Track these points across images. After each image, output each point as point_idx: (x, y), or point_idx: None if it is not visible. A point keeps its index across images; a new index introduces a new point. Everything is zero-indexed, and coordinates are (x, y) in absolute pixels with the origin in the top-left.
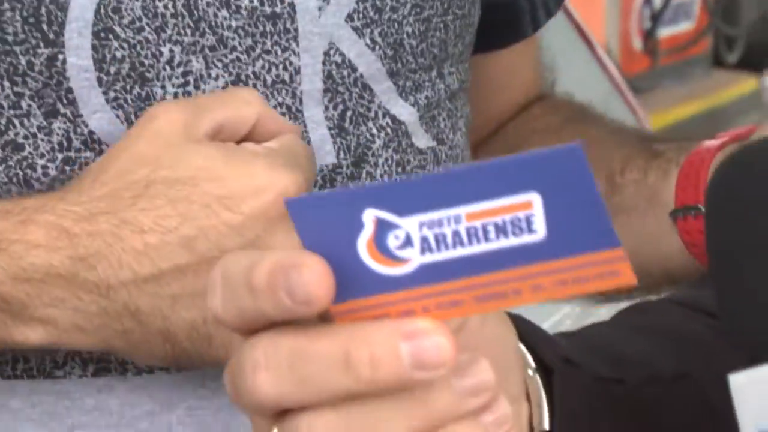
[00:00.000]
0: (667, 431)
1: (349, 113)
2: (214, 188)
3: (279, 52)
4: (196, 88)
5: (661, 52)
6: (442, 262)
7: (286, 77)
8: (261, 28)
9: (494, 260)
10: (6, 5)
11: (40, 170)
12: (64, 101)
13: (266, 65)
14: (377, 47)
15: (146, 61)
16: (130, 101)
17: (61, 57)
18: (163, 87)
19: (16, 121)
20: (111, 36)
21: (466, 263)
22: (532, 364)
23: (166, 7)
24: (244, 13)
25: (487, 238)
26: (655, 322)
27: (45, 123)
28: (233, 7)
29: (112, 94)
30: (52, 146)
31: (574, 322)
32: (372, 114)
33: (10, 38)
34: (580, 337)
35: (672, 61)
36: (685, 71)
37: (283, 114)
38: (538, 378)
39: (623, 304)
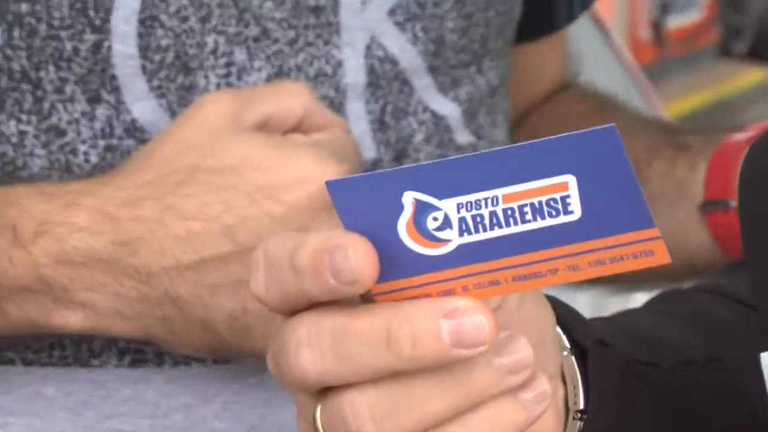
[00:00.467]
0: (698, 415)
1: (389, 108)
2: (258, 178)
3: (321, 45)
4: (239, 78)
5: (669, 42)
6: (480, 243)
7: (329, 70)
8: (304, 21)
9: (531, 240)
10: None
11: (81, 156)
12: (108, 88)
13: (308, 58)
14: (419, 42)
15: (190, 51)
16: (173, 90)
17: (106, 44)
18: (206, 77)
19: (60, 106)
20: (157, 24)
21: (503, 244)
22: (567, 345)
23: None
24: (289, 5)
25: (524, 219)
26: (686, 308)
27: (88, 109)
28: None
29: (155, 83)
30: (95, 132)
31: (592, 310)
32: (412, 109)
33: (56, 23)
34: (615, 322)
35: (680, 51)
36: (693, 61)
37: (326, 107)
38: (573, 359)
39: (639, 295)
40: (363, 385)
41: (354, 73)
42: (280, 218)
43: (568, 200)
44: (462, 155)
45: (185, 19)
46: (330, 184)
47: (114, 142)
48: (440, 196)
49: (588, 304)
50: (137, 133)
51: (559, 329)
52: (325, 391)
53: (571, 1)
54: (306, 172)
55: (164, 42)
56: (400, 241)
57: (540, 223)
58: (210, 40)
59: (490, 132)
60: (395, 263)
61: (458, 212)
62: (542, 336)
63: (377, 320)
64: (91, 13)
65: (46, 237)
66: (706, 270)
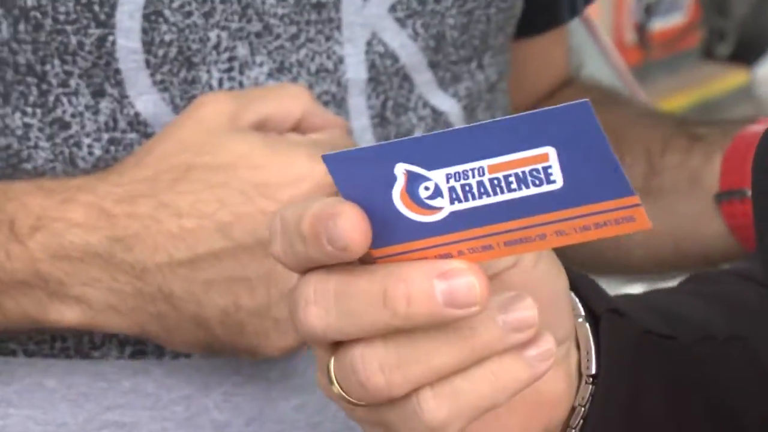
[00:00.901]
0: (716, 390)
1: (390, 103)
2: (253, 175)
3: (323, 41)
4: (241, 73)
5: (653, 45)
6: (470, 210)
7: (330, 66)
8: (306, 17)
9: (518, 208)
10: None
11: (85, 149)
12: (112, 82)
13: (310, 53)
14: (419, 38)
15: (193, 46)
16: (176, 84)
17: (111, 38)
18: (208, 71)
19: (65, 99)
20: (161, 19)
21: (492, 211)
22: (582, 312)
23: None
24: (291, 1)
25: (509, 188)
26: (714, 290)
27: (92, 102)
28: None
29: (159, 77)
30: (99, 126)
31: None
32: (412, 104)
33: (62, 17)
34: (637, 298)
35: (664, 54)
36: (676, 64)
37: (328, 103)
38: (587, 326)
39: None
40: (372, 339)
41: (355, 68)
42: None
43: (549, 170)
44: (449, 129)
45: (189, 15)
46: (326, 157)
47: (118, 135)
48: (429, 167)
49: None
50: (140, 127)
51: (575, 297)
52: (337, 345)
53: None
54: (301, 170)
55: (168, 37)
56: (395, 209)
57: (525, 192)
58: (213, 35)
59: None
60: (393, 229)
61: (447, 182)
62: (555, 297)
63: (375, 280)
64: (96, 8)
65: (43, 232)
66: (721, 261)
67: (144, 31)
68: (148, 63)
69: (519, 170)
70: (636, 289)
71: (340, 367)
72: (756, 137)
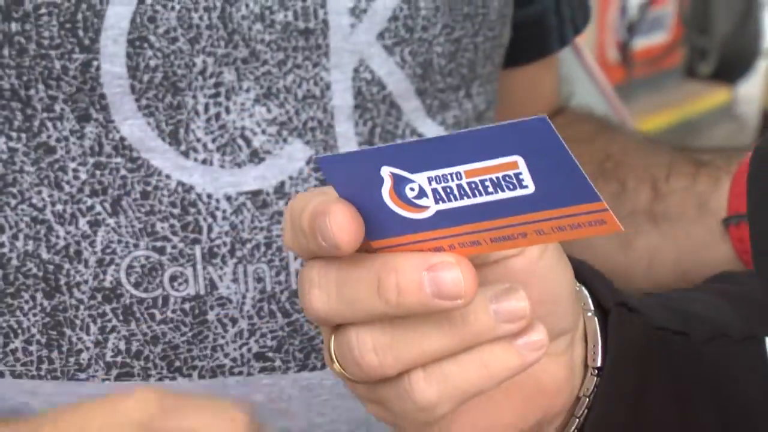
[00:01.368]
0: (727, 388)
1: (378, 130)
2: None
3: (310, 68)
4: (227, 99)
5: (636, 64)
6: (454, 210)
7: (317, 92)
8: (293, 43)
9: (497, 209)
10: (43, 10)
11: (71, 173)
12: (97, 106)
13: (297, 79)
14: (406, 66)
15: (179, 71)
16: (161, 109)
17: (95, 63)
18: (194, 97)
19: (49, 124)
20: (146, 45)
21: (475, 211)
22: (591, 306)
23: (201, 18)
24: (278, 27)
25: (486, 192)
26: (737, 291)
27: (78, 127)
28: (268, 21)
29: (144, 102)
30: (84, 150)
31: None
32: (400, 132)
33: (46, 42)
34: (656, 297)
35: (646, 73)
36: (659, 82)
37: (314, 129)
38: (596, 320)
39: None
40: (369, 322)
41: (341, 95)
42: None
43: (521, 176)
44: (428, 137)
45: (174, 40)
46: (319, 159)
47: (103, 159)
48: (412, 171)
49: None
50: (126, 152)
51: (585, 291)
52: (338, 325)
53: (563, 25)
54: None
55: (153, 62)
56: (386, 207)
57: (501, 195)
58: (199, 60)
59: None
60: (387, 224)
61: (430, 184)
62: (558, 289)
63: (371, 269)
64: (80, 32)
65: None
66: None
67: (129, 56)
68: (133, 88)
69: (493, 176)
70: None
71: (338, 345)
72: None
